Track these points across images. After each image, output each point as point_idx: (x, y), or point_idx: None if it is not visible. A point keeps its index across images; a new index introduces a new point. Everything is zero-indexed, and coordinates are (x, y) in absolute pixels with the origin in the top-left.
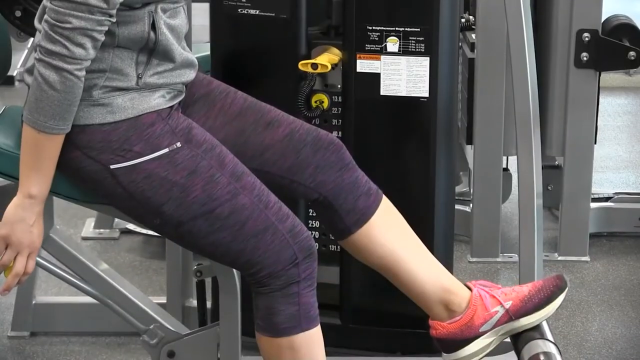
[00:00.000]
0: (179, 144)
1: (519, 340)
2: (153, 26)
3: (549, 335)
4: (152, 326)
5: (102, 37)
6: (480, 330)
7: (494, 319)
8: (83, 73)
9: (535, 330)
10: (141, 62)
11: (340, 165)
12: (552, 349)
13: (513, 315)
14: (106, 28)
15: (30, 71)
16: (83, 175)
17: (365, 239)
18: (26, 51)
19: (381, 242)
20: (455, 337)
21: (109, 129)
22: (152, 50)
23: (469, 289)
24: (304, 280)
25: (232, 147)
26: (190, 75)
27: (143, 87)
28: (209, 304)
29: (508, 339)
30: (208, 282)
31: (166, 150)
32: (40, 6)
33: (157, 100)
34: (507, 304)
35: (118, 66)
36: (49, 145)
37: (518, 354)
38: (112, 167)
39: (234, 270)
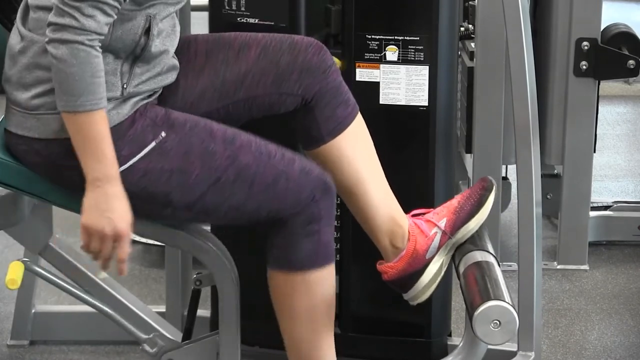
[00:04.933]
0: (163, 134)
1: (455, 255)
2: (147, 32)
3: (488, 246)
4: (151, 335)
5: (113, 14)
6: (427, 258)
7: (435, 242)
8: (96, 44)
9: (471, 242)
10: (125, 71)
11: (323, 67)
12: (489, 258)
13: (451, 230)
14: (118, 5)
15: (7, 80)
16: (83, 189)
17: (336, 151)
18: None
19: (349, 159)
20: (407, 272)
21: None
22: (138, 57)
23: None
24: (325, 218)
25: (214, 93)
26: (172, 78)
27: (126, 97)
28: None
29: None
30: (203, 293)
31: (153, 144)
32: (22, 5)
33: (137, 101)
34: (442, 223)
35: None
36: (91, 124)
37: (456, 268)
38: None
39: (234, 279)
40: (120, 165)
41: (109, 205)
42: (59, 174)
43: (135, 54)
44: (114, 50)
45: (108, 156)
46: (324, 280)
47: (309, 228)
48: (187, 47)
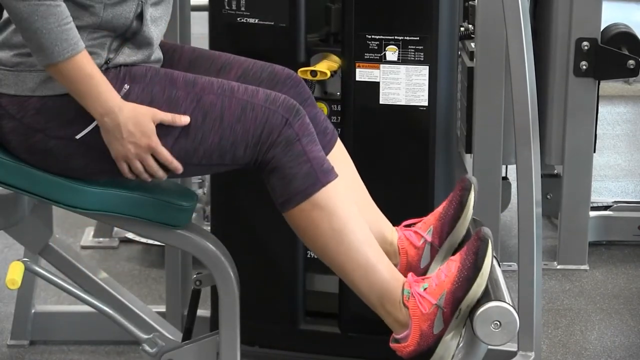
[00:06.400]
0: (127, 86)
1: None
2: (139, 16)
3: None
4: (151, 335)
5: None
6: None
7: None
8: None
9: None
10: (114, 48)
11: (299, 100)
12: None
13: (439, 237)
14: None
15: None
16: (56, 158)
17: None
18: None
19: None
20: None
21: (60, 103)
22: (128, 39)
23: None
24: (304, 137)
25: None
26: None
27: (104, 68)
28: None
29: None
30: (203, 293)
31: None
32: None
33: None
34: (429, 232)
35: (89, 49)
36: (75, 69)
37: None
38: (77, 137)
39: (234, 279)
40: (89, 123)
41: (125, 132)
42: (29, 142)
43: (126, 37)
44: (105, 29)
45: (102, 90)
46: (335, 196)
47: (293, 152)
48: (172, 52)
